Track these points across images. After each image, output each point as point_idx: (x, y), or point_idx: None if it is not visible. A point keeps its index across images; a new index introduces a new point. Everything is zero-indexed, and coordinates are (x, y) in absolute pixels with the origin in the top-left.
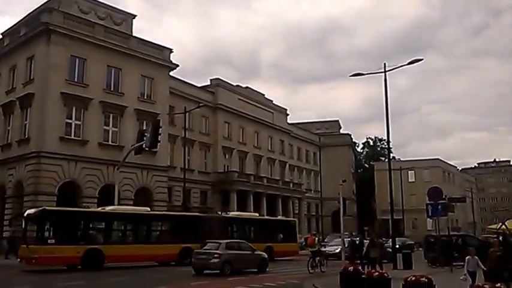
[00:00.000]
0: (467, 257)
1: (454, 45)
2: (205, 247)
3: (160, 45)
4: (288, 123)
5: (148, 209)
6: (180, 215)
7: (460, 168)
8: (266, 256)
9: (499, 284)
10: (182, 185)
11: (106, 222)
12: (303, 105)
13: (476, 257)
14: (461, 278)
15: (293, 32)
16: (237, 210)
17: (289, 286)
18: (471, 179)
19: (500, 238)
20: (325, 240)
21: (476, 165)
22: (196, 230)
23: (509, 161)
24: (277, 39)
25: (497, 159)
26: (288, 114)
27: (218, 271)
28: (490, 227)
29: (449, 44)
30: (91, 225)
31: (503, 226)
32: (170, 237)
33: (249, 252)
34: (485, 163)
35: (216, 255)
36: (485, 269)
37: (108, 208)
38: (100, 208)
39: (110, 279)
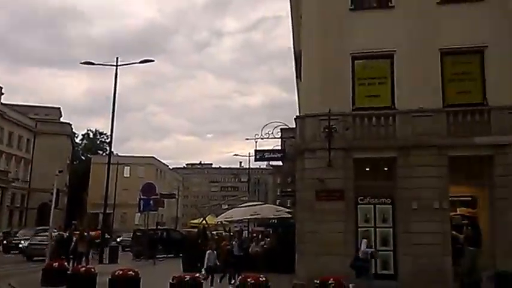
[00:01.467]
0: (208, 251)
1: (182, 55)
2: (37, 238)
3: None
4: (2, 103)
5: None
6: None
7: (171, 167)
8: None
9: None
10: None
11: None
12: (24, 86)
13: (215, 252)
14: (200, 275)
15: (24, 5)
16: None
17: None
18: (179, 178)
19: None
20: (17, 234)
21: (185, 165)
22: None
23: (211, 164)
24: (4, 10)
25: (202, 162)
26: (2, 93)
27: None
28: (192, 221)
29: (178, 52)
30: None
31: (204, 221)
32: None
33: None
34: (192, 164)
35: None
36: (218, 263)
37: None
38: None
39: None
